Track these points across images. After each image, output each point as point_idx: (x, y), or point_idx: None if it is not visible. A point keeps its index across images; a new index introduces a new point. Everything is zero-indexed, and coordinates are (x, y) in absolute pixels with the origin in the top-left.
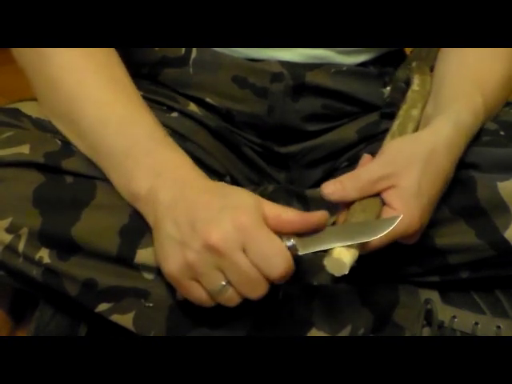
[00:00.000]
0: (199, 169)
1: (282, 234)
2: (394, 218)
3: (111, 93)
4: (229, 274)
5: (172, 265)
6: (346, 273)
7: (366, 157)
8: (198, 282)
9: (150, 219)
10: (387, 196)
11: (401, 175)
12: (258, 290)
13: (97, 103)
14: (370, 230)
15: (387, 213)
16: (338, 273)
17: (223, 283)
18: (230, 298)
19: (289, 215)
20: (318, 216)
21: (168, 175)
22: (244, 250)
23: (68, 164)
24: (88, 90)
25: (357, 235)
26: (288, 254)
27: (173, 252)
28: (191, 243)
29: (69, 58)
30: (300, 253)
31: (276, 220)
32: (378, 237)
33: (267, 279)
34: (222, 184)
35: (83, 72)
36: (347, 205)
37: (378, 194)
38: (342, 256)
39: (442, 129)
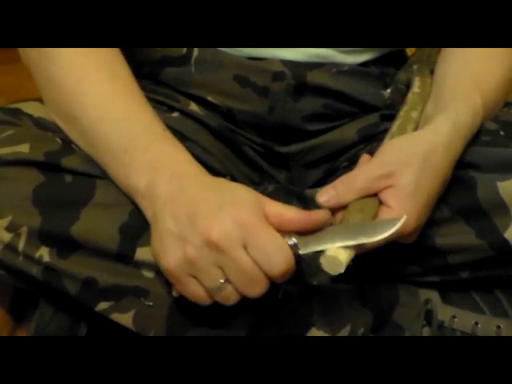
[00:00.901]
0: (199, 164)
1: (282, 232)
2: (396, 220)
3: (111, 89)
4: (228, 270)
5: (171, 260)
6: (342, 271)
7: (364, 157)
8: (196, 278)
9: (148, 213)
10: (384, 195)
11: (398, 175)
12: (257, 288)
13: (96, 100)
14: (371, 230)
15: (384, 212)
16: (334, 271)
17: (222, 280)
18: (229, 296)
19: (290, 213)
20: (320, 215)
21: (166, 170)
22: (245, 247)
23: (67, 162)
24: (88, 87)
25: (358, 236)
26: (289, 252)
27: (172, 247)
28: (191, 238)
29: (70, 57)
30: (301, 252)
31: (277, 218)
32: (380, 238)
33: (267, 277)
34: (222, 180)
35: (84, 70)
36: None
37: (375, 194)
38: (338, 254)
39: (440, 128)
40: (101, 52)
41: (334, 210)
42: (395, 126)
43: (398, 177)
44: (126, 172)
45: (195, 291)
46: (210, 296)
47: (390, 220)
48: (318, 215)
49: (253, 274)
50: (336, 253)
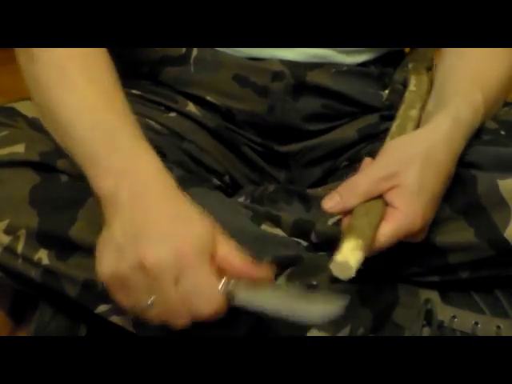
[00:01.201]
0: (169, 178)
1: (227, 275)
2: (336, 305)
3: (86, 94)
4: (155, 297)
5: (105, 269)
6: (353, 276)
7: (366, 160)
8: (126, 294)
9: (106, 216)
10: (389, 196)
11: (401, 175)
12: (179, 321)
13: (68, 105)
14: (310, 311)
15: (390, 213)
16: (344, 276)
17: (148, 303)
18: (152, 319)
19: (236, 260)
20: (265, 271)
21: (131, 179)
22: (177, 280)
23: (62, 164)
24: (65, 89)
25: (296, 311)
26: (220, 299)
27: (109, 256)
28: (128, 256)
29: (53, 58)
30: (233, 303)
31: (223, 260)
32: (315, 320)
33: (192, 314)
34: (184, 206)
35: (64, 72)
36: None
37: (380, 195)
38: (347, 259)
39: (440, 125)
40: (85, 55)
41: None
42: (394, 126)
43: (402, 177)
44: (91, 177)
45: (122, 302)
46: (135, 312)
47: (332, 298)
48: (262, 271)
49: (177, 308)
50: (345, 258)
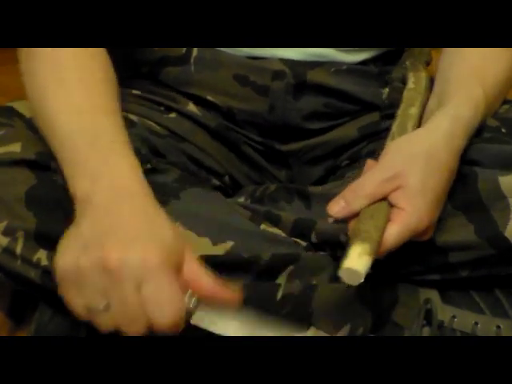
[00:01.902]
0: (146, 185)
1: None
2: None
3: (74, 93)
4: (111, 301)
5: (64, 261)
6: (362, 281)
7: (369, 163)
8: (79, 291)
9: (77, 216)
10: (393, 198)
11: (404, 175)
12: (133, 328)
13: (55, 103)
14: (273, 326)
15: (395, 214)
16: (354, 282)
17: (101, 306)
18: (101, 323)
19: (202, 277)
20: (230, 295)
21: (107, 180)
22: (138, 286)
23: (57, 164)
24: (52, 89)
25: (259, 328)
26: (180, 312)
27: (72, 250)
28: (92, 252)
29: (51, 54)
30: (191, 320)
31: (190, 275)
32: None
33: (148, 323)
34: (158, 212)
35: (61, 71)
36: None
37: (384, 197)
38: (354, 265)
39: (440, 123)
40: (82, 54)
41: None
42: (395, 126)
43: (405, 177)
44: (68, 178)
45: (73, 303)
46: (85, 314)
47: (289, 327)
48: (228, 295)
49: (134, 314)
50: (353, 264)
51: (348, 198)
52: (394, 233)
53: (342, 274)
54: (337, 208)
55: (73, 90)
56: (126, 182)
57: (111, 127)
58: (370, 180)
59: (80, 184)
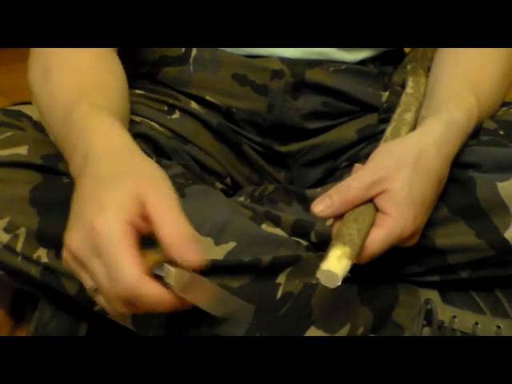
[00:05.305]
0: (132, 142)
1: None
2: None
3: (70, 81)
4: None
5: (66, 241)
6: (339, 284)
7: (356, 166)
8: (79, 271)
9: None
10: (379, 201)
11: (391, 179)
12: (116, 306)
13: (53, 87)
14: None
15: (380, 219)
16: (330, 285)
17: (94, 286)
18: (102, 303)
19: (165, 224)
20: (190, 256)
21: (81, 151)
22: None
23: (64, 166)
24: (54, 83)
25: (216, 308)
26: (136, 272)
27: (70, 228)
28: (78, 225)
29: (54, 54)
30: (179, 292)
31: (154, 218)
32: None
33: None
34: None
35: (61, 69)
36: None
37: (371, 200)
38: (332, 268)
39: (431, 129)
40: (86, 54)
41: None
42: (389, 130)
43: (391, 181)
44: (68, 161)
45: (83, 282)
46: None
47: (248, 307)
48: (190, 254)
49: (105, 287)
50: (331, 266)
51: (334, 199)
52: (378, 239)
53: (319, 275)
54: (321, 207)
55: (68, 78)
56: (101, 146)
57: (98, 112)
58: (356, 182)
59: (73, 165)
